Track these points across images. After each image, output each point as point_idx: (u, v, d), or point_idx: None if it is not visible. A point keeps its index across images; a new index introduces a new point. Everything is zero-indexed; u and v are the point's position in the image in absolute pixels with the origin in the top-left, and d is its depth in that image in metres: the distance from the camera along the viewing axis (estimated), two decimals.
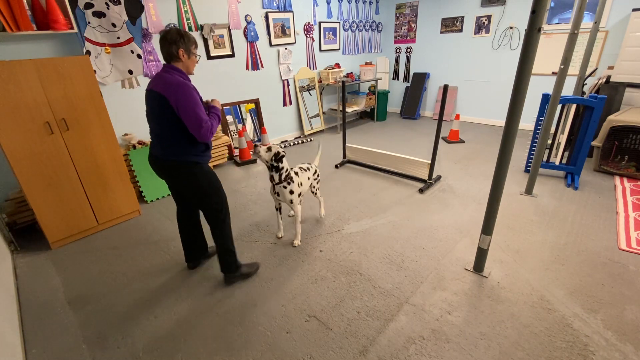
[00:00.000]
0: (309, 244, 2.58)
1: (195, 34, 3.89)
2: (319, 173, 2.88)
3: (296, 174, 2.53)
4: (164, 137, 1.81)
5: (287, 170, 2.42)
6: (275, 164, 2.34)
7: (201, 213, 2.11)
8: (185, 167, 1.85)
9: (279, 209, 2.70)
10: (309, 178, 2.68)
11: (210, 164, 4.16)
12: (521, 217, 2.80)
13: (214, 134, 1.85)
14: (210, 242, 2.50)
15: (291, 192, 2.44)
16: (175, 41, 1.75)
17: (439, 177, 3.61)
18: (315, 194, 2.84)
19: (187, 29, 3.78)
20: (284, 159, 2.37)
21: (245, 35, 4.34)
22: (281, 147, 3.60)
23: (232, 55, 4.30)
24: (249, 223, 2.92)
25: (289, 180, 2.42)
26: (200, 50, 3.97)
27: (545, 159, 3.49)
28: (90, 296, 2.17)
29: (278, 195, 2.48)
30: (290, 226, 2.83)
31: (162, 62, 1.87)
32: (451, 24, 5.60)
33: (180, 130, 1.76)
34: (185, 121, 1.72)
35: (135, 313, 2.01)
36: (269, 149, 2.32)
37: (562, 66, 2.66)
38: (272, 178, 2.42)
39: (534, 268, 2.20)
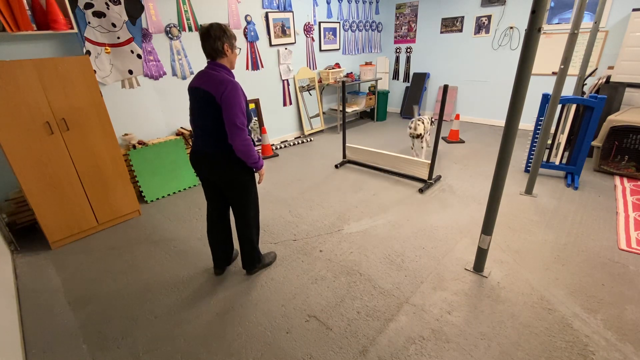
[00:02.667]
0: (309, 244, 2.58)
1: (195, 34, 3.89)
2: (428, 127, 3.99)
3: (422, 121, 3.92)
4: (214, 134, 1.79)
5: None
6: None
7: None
8: (235, 163, 1.85)
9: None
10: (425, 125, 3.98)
11: None
12: (521, 217, 2.80)
13: (247, 152, 1.79)
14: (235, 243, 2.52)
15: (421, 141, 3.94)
16: (220, 36, 1.72)
17: (439, 177, 3.61)
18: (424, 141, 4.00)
19: (187, 29, 3.79)
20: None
21: (245, 35, 4.34)
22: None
23: None
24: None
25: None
26: (200, 50, 3.94)
27: (545, 159, 3.49)
28: (90, 296, 2.17)
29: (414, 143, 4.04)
30: (288, 227, 2.83)
31: (206, 59, 1.87)
32: (451, 24, 5.60)
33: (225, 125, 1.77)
34: (226, 118, 1.70)
35: (135, 313, 2.01)
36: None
37: (562, 66, 2.66)
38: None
39: (534, 268, 2.20)
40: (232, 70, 1.85)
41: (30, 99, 2.38)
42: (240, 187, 1.95)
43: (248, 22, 4.31)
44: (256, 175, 2.03)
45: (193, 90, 1.80)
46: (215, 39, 1.72)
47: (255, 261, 2.23)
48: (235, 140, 1.74)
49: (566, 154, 3.44)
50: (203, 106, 1.76)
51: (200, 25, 1.82)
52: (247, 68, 4.51)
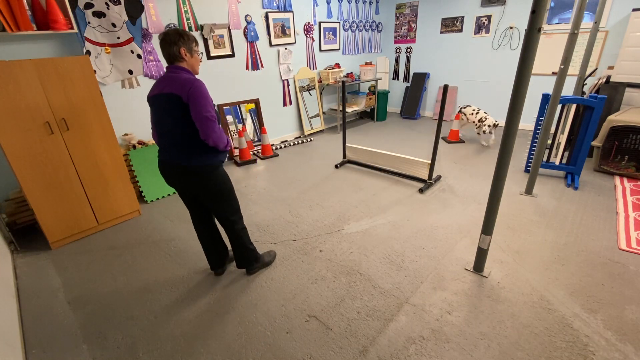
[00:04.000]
0: (309, 244, 2.58)
1: (195, 34, 3.89)
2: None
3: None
4: (183, 141, 1.73)
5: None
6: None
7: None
8: (207, 172, 1.81)
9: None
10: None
11: None
12: (521, 217, 2.80)
13: (219, 141, 1.74)
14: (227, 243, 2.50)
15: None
16: (176, 41, 1.70)
17: (439, 177, 3.61)
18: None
19: (187, 29, 3.78)
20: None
21: (245, 35, 4.34)
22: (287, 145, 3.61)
23: (232, 55, 4.30)
24: (249, 223, 2.91)
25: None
26: (200, 50, 3.97)
27: (545, 159, 3.49)
28: (90, 296, 2.17)
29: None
30: (288, 227, 2.83)
31: (164, 65, 1.81)
32: (451, 24, 5.60)
33: (195, 131, 1.71)
34: (194, 114, 1.64)
35: (135, 313, 2.01)
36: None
37: (562, 66, 2.66)
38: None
39: (534, 268, 2.20)
40: (196, 76, 1.80)
41: (30, 99, 2.38)
42: (217, 193, 1.91)
43: (248, 22, 4.31)
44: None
45: (154, 98, 1.73)
46: (171, 44, 1.70)
47: (251, 260, 2.22)
48: (210, 135, 1.68)
49: (566, 154, 3.44)
50: (168, 111, 1.69)
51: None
52: (247, 68, 4.51)
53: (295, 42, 4.98)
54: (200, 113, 1.64)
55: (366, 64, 5.90)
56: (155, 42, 3.57)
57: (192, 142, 1.73)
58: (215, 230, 2.20)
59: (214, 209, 1.99)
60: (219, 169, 1.88)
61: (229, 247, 2.50)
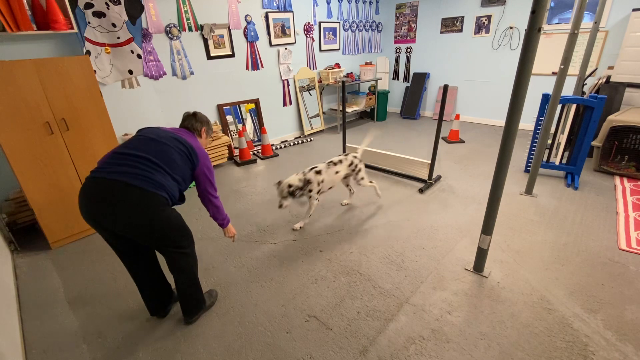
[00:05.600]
0: (309, 244, 2.58)
1: (195, 34, 3.89)
2: (359, 163, 2.90)
3: (319, 172, 2.67)
4: (159, 169, 1.55)
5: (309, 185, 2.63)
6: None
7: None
8: (162, 203, 1.54)
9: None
10: (337, 172, 2.76)
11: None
12: (521, 217, 2.79)
13: (218, 210, 1.90)
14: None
15: (310, 191, 2.65)
16: (203, 122, 1.92)
17: (439, 177, 3.61)
18: (360, 184, 2.92)
19: (187, 29, 3.79)
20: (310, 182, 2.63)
21: (245, 35, 4.34)
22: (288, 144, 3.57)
23: (232, 55, 4.30)
24: (249, 223, 2.91)
25: (309, 189, 2.64)
26: (200, 50, 3.98)
27: (545, 159, 3.48)
28: (90, 296, 2.17)
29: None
30: (288, 228, 2.83)
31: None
32: (451, 24, 5.60)
33: (181, 177, 1.65)
34: (205, 185, 1.78)
35: (135, 313, 2.01)
36: (290, 186, 2.56)
37: (562, 66, 2.66)
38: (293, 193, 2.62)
39: (534, 268, 2.20)
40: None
41: (30, 99, 2.38)
42: (164, 226, 1.57)
43: (248, 22, 4.31)
44: (225, 231, 2.01)
45: (168, 131, 1.72)
46: (198, 121, 1.89)
47: (201, 302, 1.90)
48: (212, 194, 1.82)
49: (566, 154, 3.44)
50: (176, 146, 1.65)
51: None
52: (247, 68, 4.51)
53: (295, 42, 4.98)
54: (209, 177, 1.79)
55: (366, 64, 5.91)
56: (155, 42, 3.57)
57: (168, 177, 1.58)
58: (156, 264, 1.85)
59: (159, 242, 1.63)
60: (170, 207, 1.63)
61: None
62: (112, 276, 2.35)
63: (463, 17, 5.43)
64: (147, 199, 1.49)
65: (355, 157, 2.90)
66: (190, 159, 1.70)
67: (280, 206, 2.55)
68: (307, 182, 2.58)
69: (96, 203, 1.47)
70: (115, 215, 1.47)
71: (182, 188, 1.71)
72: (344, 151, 4.13)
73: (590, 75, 4.17)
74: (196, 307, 1.89)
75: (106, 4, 3.12)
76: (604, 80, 3.90)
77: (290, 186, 2.54)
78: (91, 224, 1.54)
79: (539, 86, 4.81)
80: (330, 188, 2.81)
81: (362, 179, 2.90)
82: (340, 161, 2.80)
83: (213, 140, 4.06)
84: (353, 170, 2.86)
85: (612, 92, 3.72)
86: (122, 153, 1.54)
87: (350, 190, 3.13)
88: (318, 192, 2.68)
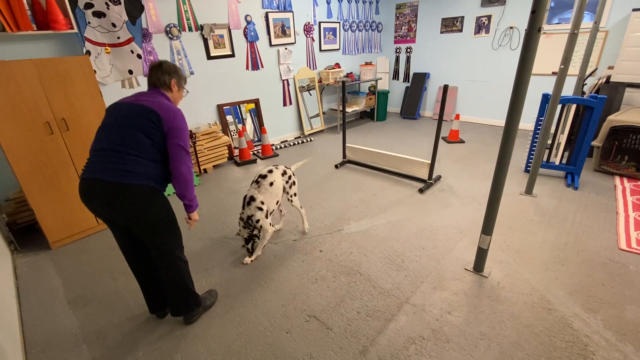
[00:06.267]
0: (309, 244, 2.58)
1: (195, 34, 3.89)
2: (293, 176, 2.58)
3: (253, 199, 2.29)
4: (129, 156, 1.49)
5: (253, 223, 2.30)
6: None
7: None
8: (144, 193, 1.53)
9: None
10: (272, 183, 2.38)
11: (210, 164, 4.16)
12: (521, 217, 2.79)
13: (187, 177, 1.63)
14: None
15: (257, 221, 2.29)
16: (170, 72, 1.69)
17: (439, 177, 3.61)
18: (291, 202, 2.55)
19: (187, 29, 3.79)
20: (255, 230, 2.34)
21: (245, 35, 4.34)
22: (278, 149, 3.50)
23: (232, 55, 4.30)
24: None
25: (255, 223, 2.31)
26: (200, 50, 3.98)
27: (545, 159, 3.48)
28: (90, 296, 2.17)
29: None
30: (288, 228, 2.83)
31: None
32: (451, 24, 5.60)
33: (158, 153, 1.57)
34: (171, 140, 1.55)
35: (135, 313, 2.01)
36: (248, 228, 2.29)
37: (562, 66, 2.66)
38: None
39: (534, 268, 2.20)
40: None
41: (30, 99, 2.38)
42: (158, 225, 1.61)
43: (248, 22, 4.31)
44: (190, 216, 1.78)
45: (124, 105, 1.56)
46: (164, 72, 1.67)
47: (192, 305, 1.87)
48: (182, 165, 1.58)
49: (566, 154, 3.44)
50: (138, 121, 1.51)
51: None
52: (247, 68, 4.51)
53: (295, 42, 4.98)
54: (178, 144, 1.57)
55: (366, 64, 5.90)
56: (155, 42, 3.57)
57: (140, 160, 1.51)
58: (154, 264, 1.84)
59: (151, 244, 1.66)
60: (159, 193, 1.61)
61: None
62: (112, 276, 2.35)
63: (463, 17, 5.43)
64: (127, 193, 1.50)
65: (288, 167, 2.57)
66: (158, 127, 1.53)
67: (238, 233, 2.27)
68: (249, 220, 2.26)
69: (90, 202, 1.54)
70: (109, 209, 1.54)
71: (167, 161, 1.60)
72: (344, 151, 4.13)
73: (590, 75, 4.17)
74: (182, 308, 1.84)
75: (106, 4, 3.12)
76: (604, 80, 3.90)
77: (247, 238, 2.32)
78: (96, 215, 1.65)
79: (539, 86, 4.81)
80: (278, 203, 2.46)
81: (295, 194, 2.56)
82: (270, 171, 2.43)
83: (212, 137, 4.06)
84: (287, 182, 2.50)
85: (612, 92, 3.72)
86: (95, 150, 1.54)
87: (280, 211, 2.76)
88: (266, 216, 2.32)
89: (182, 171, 1.60)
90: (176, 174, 1.60)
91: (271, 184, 2.39)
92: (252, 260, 2.40)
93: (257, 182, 2.39)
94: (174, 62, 3.75)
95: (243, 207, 2.33)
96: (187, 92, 1.89)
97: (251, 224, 2.30)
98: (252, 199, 2.30)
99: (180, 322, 1.92)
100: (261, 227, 2.31)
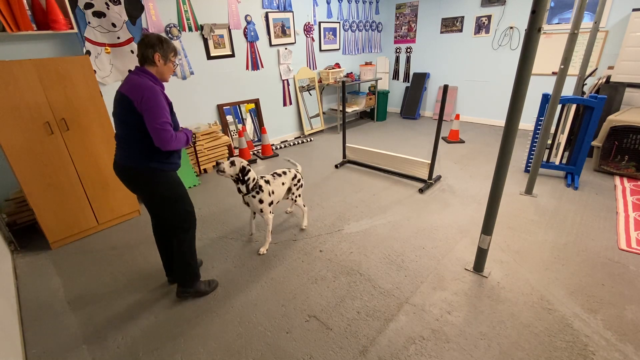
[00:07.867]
0: (309, 244, 2.58)
1: (195, 34, 3.89)
2: (302, 179, 2.73)
3: (267, 182, 2.43)
4: (126, 142, 1.71)
5: (254, 179, 2.33)
6: (241, 178, 2.27)
7: None
8: (145, 174, 1.75)
9: (254, 215, 2.73)
10: (283, 183, 2.57)
11: (210, 164, 4.16)
12: (521, 217, 2.79)
13: (179, 147, 1.72)
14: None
15: (260, 202, 2.36)
16: (153, 45, 1.67)
17: (439, 177, 3.61)
18: (295, 201, 2.70)
19: (187, 29, 3.79)
20: (251, 172, 2.31)
21: (245, 35, 4.34)
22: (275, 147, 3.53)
23: (232, 55, 4.30)
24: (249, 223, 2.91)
25: (257, 190, 2.35)
26: (200, 50, 3.98)
27: (545, 159, 3.49)
28: (90, 296, 2.17)
29: (248, 205, 2.46)
30: (288, 227, 2.83)
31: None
32: (451, 24, 5.60)
33: (145, 134, 1.64)
34: (147, 123, 1.60)
35: (135, 313, 2.01)
36: (232, 163, 2.21)
37: (562, 66, 2.66)
38: (239, 190, 2.34)
39: (534, 268, 2.20)
40: (164, 83, 1.76)
41: (30, 99, 2.38)
42: (157, 200, 1.84)
43: (248, 22, 4.31)
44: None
45: (116, 94, 1.71)
46: (147, 46, 1.66)
47: (186, 279, 2.03)
48: (164, 144, 1.62)
49: (566, 154, 3.44)
50: (121, 112, 1.67)
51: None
52: (247, 68, 4.51)
53: (295, 42, 4.98)
54: (152, 124, 1.59)
55: (366, 64, 5.91)
56: None
57: (133, 144, 1.69)
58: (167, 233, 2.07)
59: (160, 218, 1.95)
60: (163, 173, 1.78)
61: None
62: (112, 276, 2.35)
63: (463, 17, 5.43)
64: (131, 174, 1.76)
65: (298, 172, 2.74)
66: (133, 111, 1.60)
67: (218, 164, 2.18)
68: (244, 170, 2.24)
69: (120, 180, 1.84)
70: (126, 186, 1.85)
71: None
72: (344, 151, 4.13)
73: (590, 75, 4.17)
74: (179, 277, 2.04)
75: (106, 4, 3.12)
76: (604, 80, 3.90)
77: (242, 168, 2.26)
78: None
79: (539, 86, 4.81)
80: (277, 202, 2.57)
81: (299, 196, 2.71)
82: (285, 172, 2.61)
83: (212, 137, 4.07)
84: (295, 184, 2.66)
85: (612, 92, 3.72)
86: (114, 136, 1.80)
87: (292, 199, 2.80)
88: (270, 205, 2.45)
89: (170, 147, 1.67)
90: (164, 152, 1.73)
91: (282, 184, 2.58)
92: (267, 250, 2.53)
93: (273, 175, 2.56)
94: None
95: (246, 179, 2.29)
96: (177, 65, 1.91)
97: (244, 178, 2.26)
98: (267, 182, 2.46)
99: (180, 322, 1.92)
100: (262, 210, 2.43)
